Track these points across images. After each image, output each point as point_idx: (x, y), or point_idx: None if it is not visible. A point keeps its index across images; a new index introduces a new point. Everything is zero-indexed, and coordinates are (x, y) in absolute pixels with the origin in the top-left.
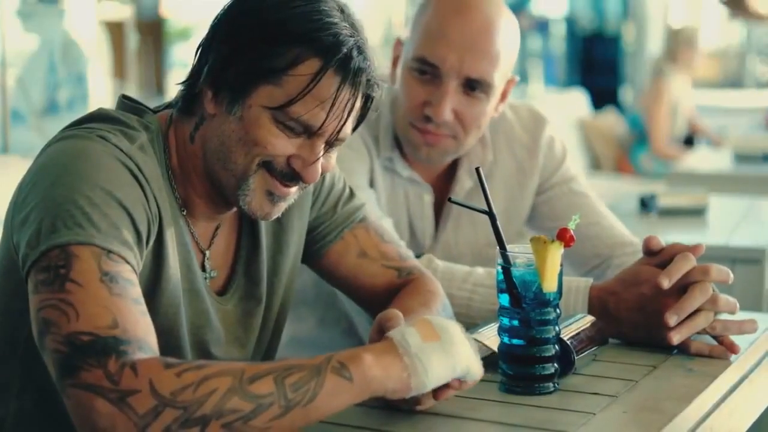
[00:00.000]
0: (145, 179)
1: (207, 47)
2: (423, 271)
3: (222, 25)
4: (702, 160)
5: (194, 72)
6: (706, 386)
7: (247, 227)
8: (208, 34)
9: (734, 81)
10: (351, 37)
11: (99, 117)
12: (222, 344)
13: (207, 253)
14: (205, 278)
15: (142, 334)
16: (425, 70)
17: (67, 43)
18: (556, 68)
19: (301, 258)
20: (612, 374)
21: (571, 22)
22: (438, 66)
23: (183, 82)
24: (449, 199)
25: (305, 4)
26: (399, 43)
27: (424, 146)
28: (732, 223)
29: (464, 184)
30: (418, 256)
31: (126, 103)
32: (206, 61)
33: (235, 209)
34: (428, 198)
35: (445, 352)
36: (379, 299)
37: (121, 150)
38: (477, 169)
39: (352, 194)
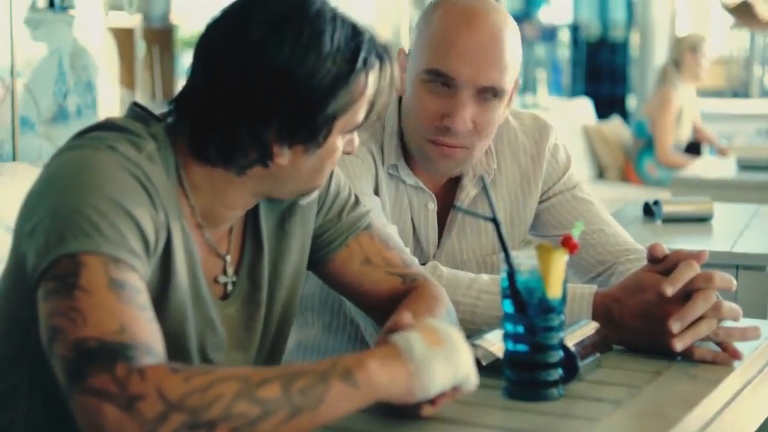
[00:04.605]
0: (153, 187)
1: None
2: (427, 278)
3: (256, 91)
4: (706, 167)
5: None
6: (709, 392)
7: (250, 231)
8: (230, 100)
9: (739, 89)
10: (361, 33)
11: (107, 126)
12: (225, 348)
13: (228, 258)
14: (225, 284)
15: (150, 340)
16: (440, 82)
17: (76, 51)
18: (561, 76)
19: (305, 263)
20: (616, 380)
21: (576, 29)
22: (453, 77)
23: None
24: (454, 207)
25: (320, 41)
26: (403, 53)
27: (441, 159)
28: (736, 230)
29: (469, 192)
30: (423, 264)
31: (136, 111)
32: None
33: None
34: (432, 206)
35: (448, 358)
36: (384, 306)
37: (129, 159)
38: (482, 178)
39: (357, 201)
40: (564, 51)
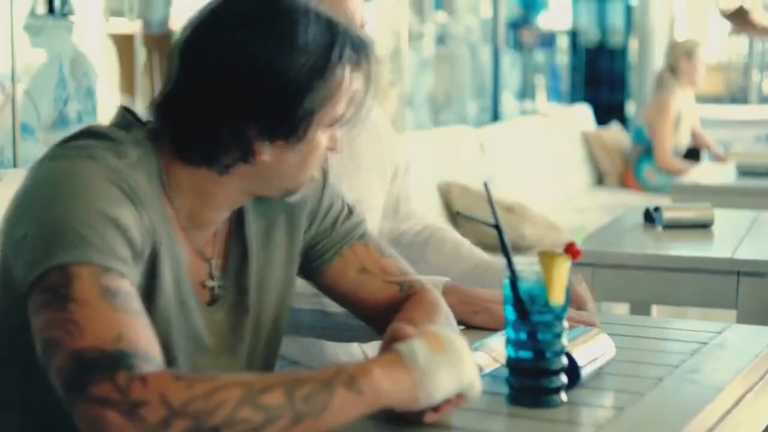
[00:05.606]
0: (136, 196)
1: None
2: (424, 284)
3: (233, 90)
4: (706, 173)
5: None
6: (711, 399)
7: (235, 235)
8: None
9: (738, 95)
10: (336, 26)
11: (88, 134)
12: (213, 353)
13: (213, 262)
14: (212, 287)
15: (147, 346)
16: None
17: (76, 57)
18: (560, 82)
19: (294, 274)
20: (618, 387)
21: (574, 35)
22: None
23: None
24: (457, 213)
25: (306, 36)
26: None
27: None
28: (737, 236)
29: None
30: None
31: (121, 116)
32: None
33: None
34: None
35: (452, 365)
36: (382, 314)
37: (110, 168)
38: (485, 185)
39: (350, 212)
40: (563, 57)
